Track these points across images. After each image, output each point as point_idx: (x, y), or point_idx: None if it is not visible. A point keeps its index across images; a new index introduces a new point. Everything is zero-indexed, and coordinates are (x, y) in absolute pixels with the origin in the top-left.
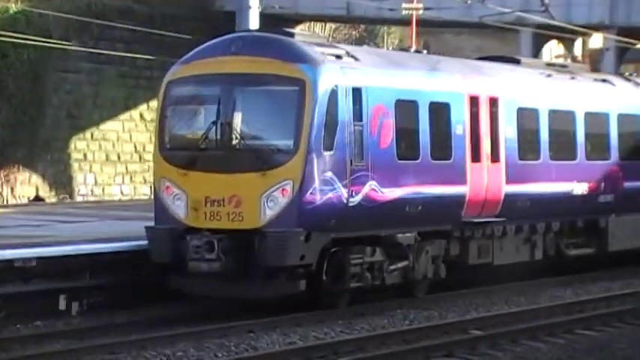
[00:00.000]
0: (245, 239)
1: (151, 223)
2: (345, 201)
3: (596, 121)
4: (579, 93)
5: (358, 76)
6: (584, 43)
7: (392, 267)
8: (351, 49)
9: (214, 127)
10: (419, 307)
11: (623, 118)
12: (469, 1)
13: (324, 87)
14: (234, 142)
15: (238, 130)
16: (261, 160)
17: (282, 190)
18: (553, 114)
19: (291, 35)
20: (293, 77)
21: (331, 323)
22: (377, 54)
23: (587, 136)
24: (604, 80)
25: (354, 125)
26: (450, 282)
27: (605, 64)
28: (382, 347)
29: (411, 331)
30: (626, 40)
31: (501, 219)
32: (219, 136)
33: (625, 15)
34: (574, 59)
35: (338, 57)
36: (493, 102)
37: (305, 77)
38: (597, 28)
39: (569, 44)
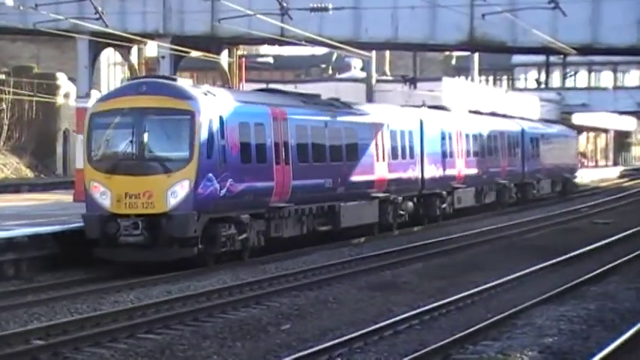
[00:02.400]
0: (157, 220)
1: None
2: (218, 192)
3: (333, 132)
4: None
5: (219, 107)
6: (141, 51)
7: (239, 237)
8: (209, 88)
9: (131, 145)
10: None
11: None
12: (21, 7)
13: (205, 115)
14: (147, 154)
15: (149, 146)
16: (165, 166)
17: (181, 185)
18: (312, 129)
19: (175, 80)
20: (185, 109)
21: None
22: (224, 91)
23: (330, 145)
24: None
25: (220, 140)
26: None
27: (163, 71)
28: None
29: None
30: (179, 48)
31: (290, 204)
32: (135, 151)
33: (178, 25)
34: (131, 67)
35: (205, 94)
36: (284, 120)
37: (193, 109)
38: (152, 36)
39: (126, 52)
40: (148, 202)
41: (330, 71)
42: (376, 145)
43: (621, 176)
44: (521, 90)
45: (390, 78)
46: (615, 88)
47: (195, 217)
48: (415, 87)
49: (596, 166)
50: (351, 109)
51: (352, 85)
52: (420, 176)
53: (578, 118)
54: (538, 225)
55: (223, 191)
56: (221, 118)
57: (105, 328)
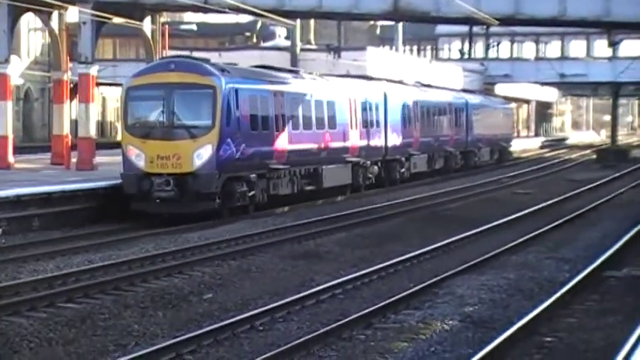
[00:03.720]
0: (185, 178)
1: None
2: (234, 155)
3: (318, 104)
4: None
5: (235, 83)
6: (62, 17)
7: (249, 194)
8: (225, 66)
9: (162, 114)
10: None
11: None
12: None
13: (224, 90)
14: (176, 122)
15: (178, 115)
16: (192, 132)
17: (205, 149)
18: (303, 102)
19: (198, 60)
20: (208, 84)
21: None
22: (237, 69)
23: (317, 116)
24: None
25: (235, 111)
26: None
27: (84, 37)
28: None
29: None
30: (101, 14)
31: (286, 166)
32: (165, 119)
33: None
34: (51, 32)
35: (223, 71)
36: (281, 94)
37: (215, 84)
38: (73, 1)
39: (46, 17)
40: (177, 162)
41: (255, 39)
42: (350, 115)
43: (542, 147)
44: (445, 60)
45: (315, 47)
46: (537, 59)
47: (217, 175)
48: (339, 56)
49: (518, 136)
50: (330, 83)
51: (277, 54)
52: (384, 144)
53: (500, 89)
54: (460, 195)
55: (238, 154)
56: (236, 92)
57: (24, 297)
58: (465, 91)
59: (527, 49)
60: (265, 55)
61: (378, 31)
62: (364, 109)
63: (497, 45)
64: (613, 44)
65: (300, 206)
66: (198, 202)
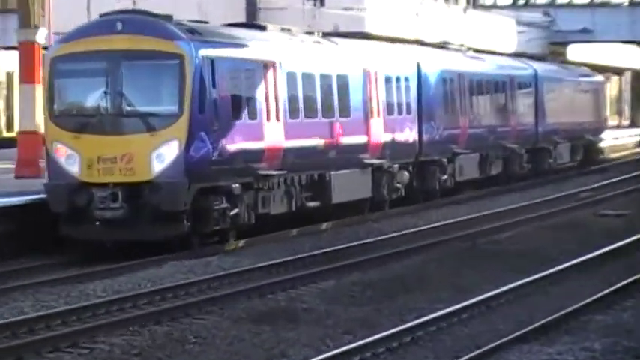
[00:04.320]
0: (138, 190)
1: None
2: (211, 156)
3: (325, 80)
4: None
5: (209, 50)
6: None
7: (230, 213)
8: (191, 24)
9: (105, 97)
10: None
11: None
12: None
13: (196, 60)
14: (125, 108)
15: (128, 98)
16: (149, 123)
17: (169, 147)
18: (303, 77)
19: (156, 16)
20: (173, 52)
21: None
22: (209, 28)
23: (322, 97)
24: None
25: (212, 91)
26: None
27: None
28: None
29: None
30: None
31: (281, 172)
32: (109, 104)
33: None
34: None
35: (191, 32)
36: (273, 66)
37: (183, 52)
38: None
39: None
40: (127, 167)
41: None
42: (370, 97)
43: None
44: (488, 8)
45: None
46: (632, 3)
47: (185, 186)
48: (323, 3)
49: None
50: (340, 48)
51: (223, 0)
52: (417, 138)
53: (575, 52)
54: (515, 219)
55: (215, 154)
56: (212, 63)
57: None
58: (530, 57)
59: None
60: (206, 0)
61: None
62: (389, 88)
63: None
64: None
65: (266, 238)
66: (158, 224)
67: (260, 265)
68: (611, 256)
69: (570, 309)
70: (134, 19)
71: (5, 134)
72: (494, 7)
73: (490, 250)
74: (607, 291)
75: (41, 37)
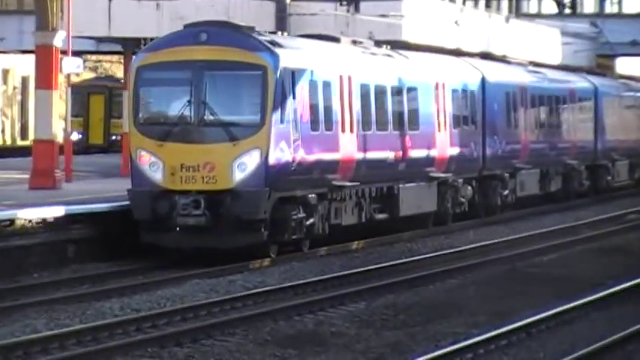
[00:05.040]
0: (220, 198)
1: None
2: (290, 166)
3: (396, 93)
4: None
5: (290, 61)
6: None
7: (307, 223)
8: (273, 36)
9: (189, 106)
10: None
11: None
12: None
13: (278, 71)
14: (208, 117)
15: (211, 107)
16: (231, 132)
17: (251, 156)
18: (376, 89)
19: (240, 27)
20: (257, 63)
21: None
22: (289, 40)
23: (393, 109)
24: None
25: (292, 102)
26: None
27: None
28: None
29: None
30: None
31: (354, 183)
32: (193, 113)
33: None
34: None
35: (272, 44)
36: (349, 78)
37: (266, 63)
38: None
39: None
40: (209, 175)
41: None
42: (438, 110)
43: None
44: (531, 17)
45: None
46: None
47: (266, 195)
48: (357, 9)
49: None
50: (410, 61)
51: (254, 5)
52: (481, 152)
53: (624, 66)
54: (560, 240)
55: (294, 164)
56: (293, 74)
57: None
58: (590, 72)
59: None
60: (235, 5)
61: None
62: (455, 101)
63: None
64: None
65: (293, 257)
66: (238, 232)
67: (287, 285)
68: None
69: (615, 337)
70: (218, 31)
71: (19, 142)
72: (538, 15)
73: (531, 274)
74: None
75: (59, 40)
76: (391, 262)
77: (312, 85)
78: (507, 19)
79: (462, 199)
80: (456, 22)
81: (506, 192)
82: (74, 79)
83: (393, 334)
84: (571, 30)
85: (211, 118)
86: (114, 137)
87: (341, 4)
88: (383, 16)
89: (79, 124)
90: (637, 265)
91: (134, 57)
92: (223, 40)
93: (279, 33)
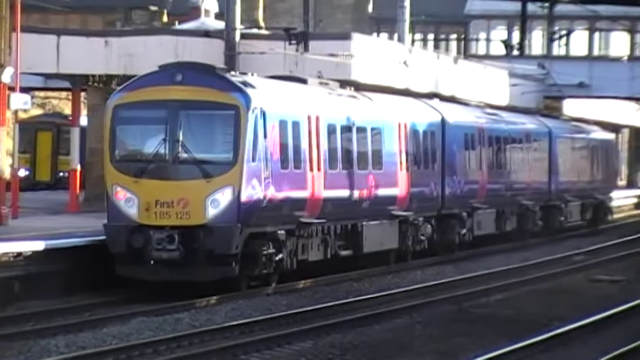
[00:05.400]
0: (194, 233)
1: None
2: (261, 202)
3: (360, 132)
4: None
5: (262, 101)
6: None
7: (276, 258)
8: (245, 77)
9: (164, 144)
10: None
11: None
12: None
13: (250, 111)
14: (182, 155)
15: (186, 145)
16: (205, 169)
17: (224, 193)
18: (342, 129)
19: (214, 68)
20: (230, 103)
21: None
22: (261, 80)
23: (358, 149)
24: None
25: (263, 141)
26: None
27: None
28: None
29: None
30: None
31: (321, 220)
32: (168, 151)
33: None
34: None
35: (244, 84)
36: (316, 118)
37: (239, 103)
38: None
39: None
40: (183, 211)
41: (166, 18)
42: (400, 149)
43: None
44: (479, 58)
45: (266, 32)
46: (633, 58)
47: (238, 230)
48: (307, 48)
49: None
50: (374, 102)
51: (203, 43)
52: (440, 192)
53: (571, 108)
54: (506, 281)
55: (265, 201)
56: (264, 114)
57: None
58: (543, 115)
59: (617, 43)
60: (184, 43)
61: (370, 8)
62: (416, 141)
63: (567, 35)
64: None
65: (239, 295)
66: (210, 266)
67: (233, 323)
68: (604, 324)
69: None
70: (193, 71)
71: None
72: (486, 57)
73: (478, 314)
74: None
75: (7, 76)
76: (338, 302)
77: (282, 124)
78: (456, 60)
79: (422, 237)
80: (404, 63)
81: (464, 231)
82: (22, 116)
83: None
84: (519, 71)
85: (185, 155)
86: (61, 174)
87: (290, 44)
88: (332, 55)
89: (27, 160)
90: (582, 306)
91: (110, 96)
92: (198, 80)
93: (250, 74)
